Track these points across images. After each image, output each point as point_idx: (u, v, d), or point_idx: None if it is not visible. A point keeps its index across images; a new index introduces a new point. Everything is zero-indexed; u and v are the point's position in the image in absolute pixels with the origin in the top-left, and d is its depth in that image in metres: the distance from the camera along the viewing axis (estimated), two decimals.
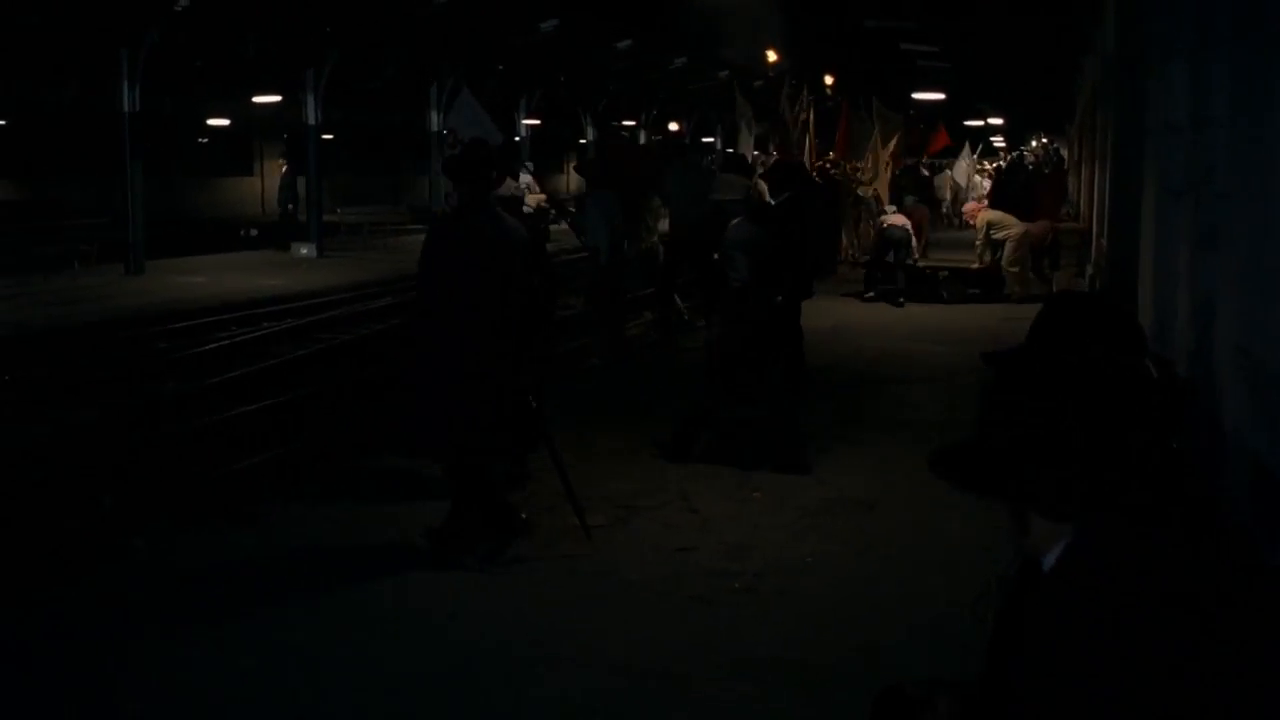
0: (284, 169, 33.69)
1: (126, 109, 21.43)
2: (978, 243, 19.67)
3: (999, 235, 18.63)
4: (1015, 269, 18.17)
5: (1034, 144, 55.19)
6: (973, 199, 26.71)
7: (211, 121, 38.47)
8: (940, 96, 35.93)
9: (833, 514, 7.45)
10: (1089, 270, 17.95)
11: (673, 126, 31.27)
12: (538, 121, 36.46)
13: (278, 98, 29.42)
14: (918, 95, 35.97)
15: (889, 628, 5.66)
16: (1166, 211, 7.11)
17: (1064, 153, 43.34)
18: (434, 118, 30.53)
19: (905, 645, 5.42)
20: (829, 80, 52.50)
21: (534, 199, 30.70)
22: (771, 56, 44.57)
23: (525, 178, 32.95)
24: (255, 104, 32.54)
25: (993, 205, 20.72)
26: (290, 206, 32.23)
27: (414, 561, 6.52)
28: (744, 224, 8.98)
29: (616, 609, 5.98)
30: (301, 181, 29.06)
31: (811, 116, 23.86)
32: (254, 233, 31.06)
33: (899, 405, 10.74)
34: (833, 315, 16.54)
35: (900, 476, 8.11)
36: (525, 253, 6.69)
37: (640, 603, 6.05)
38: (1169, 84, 7.16)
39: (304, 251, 25.71)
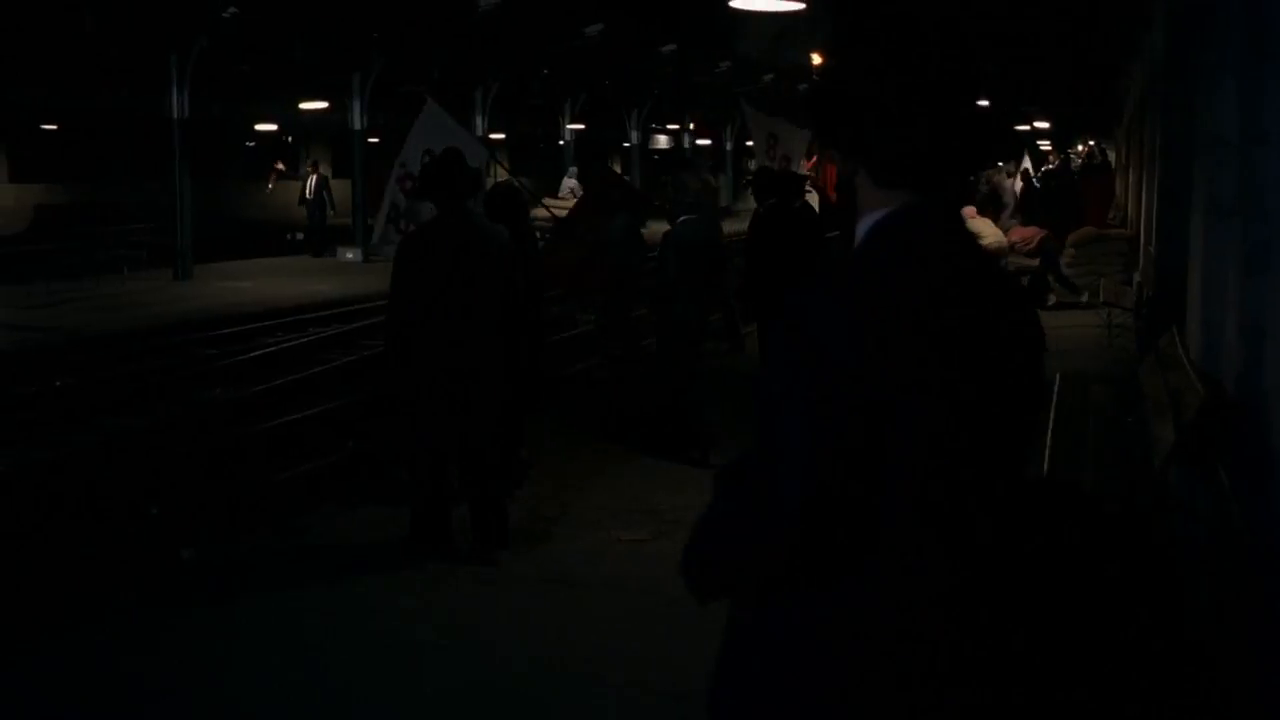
0: (313, 179, 31.01)
1: (175, 115, 21.67)
2: None
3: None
4: None
5: (1080, 147, 54.73)
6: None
7: (259, 126, 38.76)
8: (984, 104, 35.72)
9: None
10: (1136, 277, 17.78)
11: (669, 131, 30.96)
12: (582, 126, 36.50)
13: (324, 104, 29.63)
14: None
15: None
16: (1215, 227, 7.04)
17: (1110, 155, 42.99)
18: (479, 122, 30.69)
19: None
20: None
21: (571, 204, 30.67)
22: (817, 60, 44.55)
23: (570, 182, 33.10)
24: (302, 109, 32.75)
25: (1025, 217, 20.83)
26: (324, 212, 31.17)
27: (464, 576, 6.56)
28: (687, 224, 9.07)
29: (662, 628, 5.98)
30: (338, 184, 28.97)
31: None
32: (299, 236, 31.23)
33: None
34: None
35: None
36: (510, 255, 6.79)
37: (685, 623, 6.04)
38: (1218, 98, 7.09)
39: (349, 256, 25.88)
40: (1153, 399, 7.24)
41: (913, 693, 1.98)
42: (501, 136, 38.10)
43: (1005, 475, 2.06)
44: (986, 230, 18.40)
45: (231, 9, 21.55)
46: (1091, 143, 52.71)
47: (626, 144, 38.59)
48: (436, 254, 6.67)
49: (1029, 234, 19.53)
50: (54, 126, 34.37)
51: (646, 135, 39.93)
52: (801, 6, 9.21)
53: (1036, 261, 19.52)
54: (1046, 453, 6.56)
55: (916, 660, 1.98)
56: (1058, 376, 8.69)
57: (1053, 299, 18.42)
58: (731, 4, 9.66)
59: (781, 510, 1.92)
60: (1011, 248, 19.10)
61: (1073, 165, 41.23)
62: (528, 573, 6.69)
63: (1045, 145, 52.89)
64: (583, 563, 6.83)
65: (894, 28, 2.03)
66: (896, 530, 1.95)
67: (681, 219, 9.11)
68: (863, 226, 2.05)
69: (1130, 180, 28.22)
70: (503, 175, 24.26)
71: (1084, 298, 18.03)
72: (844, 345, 1.90)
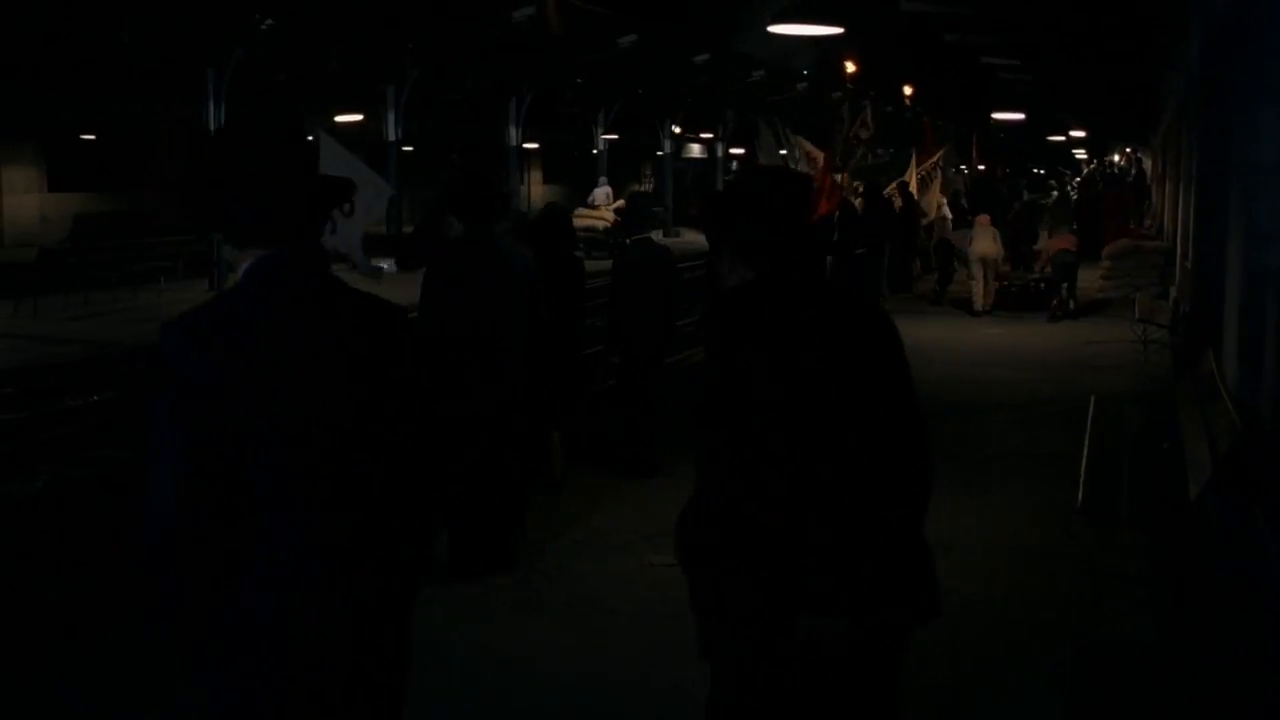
0: None
1: (212, 127, 21.81)
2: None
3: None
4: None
5: (1116, 156, 54.50)
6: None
7: None
8: (1020, 117, 35.60)
9: None
10: (1172, 292, 17.67)
11: (702, 140, 30.85)
12: (615, 136, 36.57)
13: (359, 116, 29.82)
14: (998, 115, 35.68)
15: (961, 690, 5.61)
16: (1253, 254, 7.00)
17: (1146, 164, 42.73)
18: (513, 132, 30.82)
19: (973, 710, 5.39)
20: (908, 91, 52.29)
21: (606, 215, 30.90)
22: (850, 68, 44.46)
23: (600, 191, 33.23)
24: (337, 120, 32.93)
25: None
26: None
27: (496, 599, 6.58)
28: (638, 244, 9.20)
29: (694, 660, 5.97)
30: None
31: (871, 133, 24.00)
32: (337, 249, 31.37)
33: (975, 437, 10.64)
34: (910, 337, 16.47)
35: (978, 516, 8.05)
36: (533, 280, 6.85)
37: None
38: (1256, 125, 7.05)
39: (384, 266, 25.90)
40: (1189, 425, 7.19)
41: (300, 665, 2.55)
42: (535, 146, 38.20)
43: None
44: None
45: (269, 21, 21.72)
46: (1129, 150, 52.49)
47: (660, 153, 38.62)
48: (462, 276, 6.75)
49: (1063, 243, 19.65)
50: (92, 136, 34.64)
51: (680, 144, 39.92)
52: (840, 31, 9.20)
53: (1047, 270, 19.90)
54: (1082, 479, 6.51)
55: (303, 640, 2.54)
56: (1093, 398, 8.63)
57: (1071, 305, 18.96)
58: (770, 29, 9.66)
59: (148, 543, 2.45)
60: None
61: (1098, 176, 41.11)
62: (558, 597, 6.69)
63: (1081, 154, 52.75)
64: (613, 587, 6.82)
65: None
66: (270, 527, 2.49)
67: (633, 239, 9.28)
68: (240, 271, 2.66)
69: (1167, 191, 28.06)
70: (537, 188, 24.47)
71: (1071, 305, 18.84)
72: (195, 368, 2.46)
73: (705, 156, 45.76)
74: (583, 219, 29.64)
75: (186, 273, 23.10)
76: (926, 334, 16.76)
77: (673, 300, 9.23)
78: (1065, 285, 19.02)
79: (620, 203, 29.64)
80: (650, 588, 6.81)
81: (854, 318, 3.33)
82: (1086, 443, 7.25)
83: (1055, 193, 27.92)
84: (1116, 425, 8.21)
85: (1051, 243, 20.20)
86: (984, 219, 19.89)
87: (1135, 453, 7.67)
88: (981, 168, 37.17)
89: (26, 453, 10.66)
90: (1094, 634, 6.09)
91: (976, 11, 21.39)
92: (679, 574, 6.88)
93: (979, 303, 18.97)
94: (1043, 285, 19.79)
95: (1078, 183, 39.10)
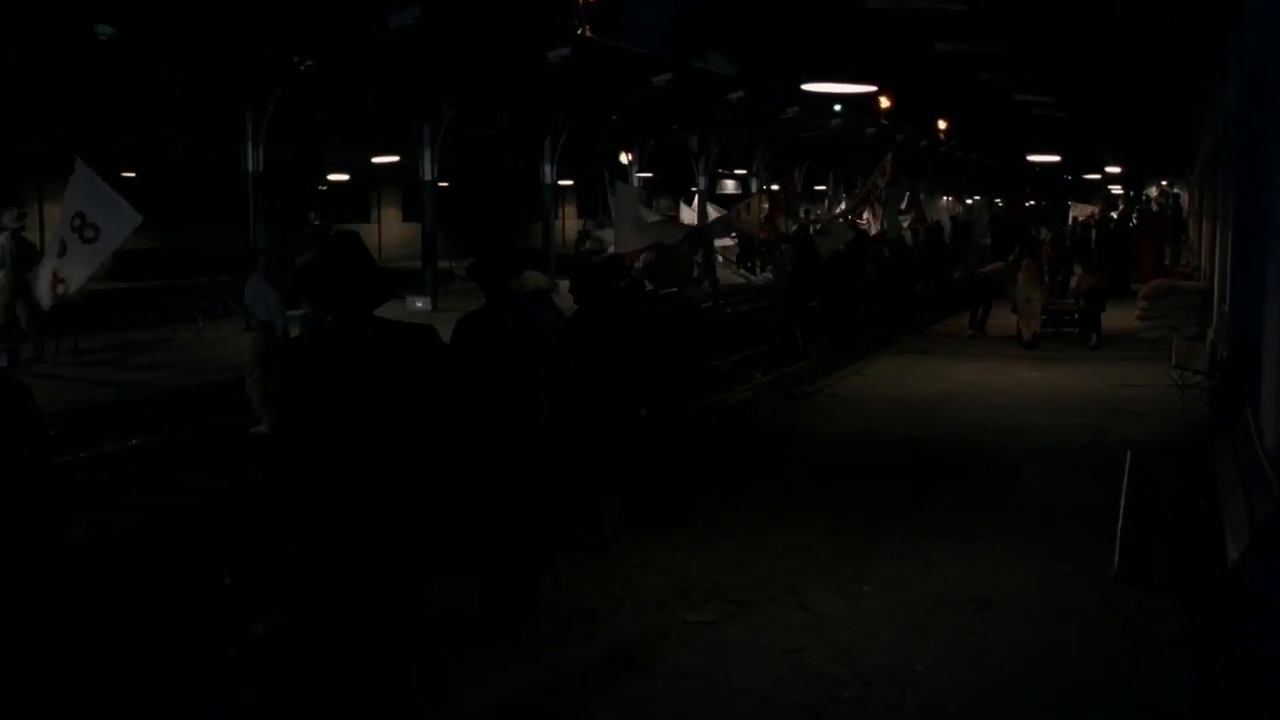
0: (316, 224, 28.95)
1: (250, 169, 22.07)
2: None
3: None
4: None
5: (1153, 190, 54.22)
6: None
7: (331, 177, 39.34)
8: (1056, 159, 35.55)
9: (945, 613, 7.37)
10: (1209, 334, 17.55)
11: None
12: (650, 174, 36.70)
13: (395, 158, 30.08)
14: (1034, 158, 35.61)
15: None
16: None
17: (1183, 199, 42.52)
18: (547, 170, 31.01)
19: None
20: (942, 125, 52.34)
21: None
22: (885, 103, 44.54)
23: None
24: (373, 157, 33.26)
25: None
26: None
27: (530, 657, 6.60)
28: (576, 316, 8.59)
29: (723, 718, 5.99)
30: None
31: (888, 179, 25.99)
32: None
33: (1010, 487, 10.58)
34: (947, 379, 16.44)
35: (1011, 573, 8.02)
36: (551, 342, 7.11)
37: (746, 713, 6.05)
38: None
39: (419, 305, 26.09)
40: (1226, 484, 7.15)
41: None
42: (570, 182, 38.37)
43: None
44: None
45: (307, 61, 21.97)
46: (1164, 183, 52.23)
47: (695, 189, 38.73)
48: (482, 339, 6.89)
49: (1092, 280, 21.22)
50: (132, 174, 35.07)
51: (714, 180, 40.03)
52: (873, 89, 9.24)
53: (1079, 304, 21.10)
54: (1118, 545, 6.48)
55: None
56: (1128, 455, 8.58)
57: (1094, 339, 20.09)
58: (804, 87, 9.71)
59: None
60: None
61: (1132, 212, 41.09)
62: (596, 655, 6.71)
63: (1116, 189, 52.51)
64: (647, 645, 6.83)
65: None
66: None
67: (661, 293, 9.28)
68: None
69: (1204, 229, 27.90)
70: (571, 223, 24.85)
71: (1092, 341, 20.08)
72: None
73: (740, 192, 45.85)
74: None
75: (225, 310, 23.29)
76: (960, 376, 16.72)
77: (698, 355, 9.27)
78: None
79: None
80: (684, 645, 6.83)
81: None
82: (1122, 504, 7.21)
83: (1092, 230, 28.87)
84: (1153, 483, 8.16)
85: (1084, 278, 21.63)
86: (1028, 263, 20.91)
87: (1172, 514, 7.62)
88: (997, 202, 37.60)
89: (67, 498, 10.75)
90: (1130, 699, 6.06)
91: (1011, 51, 21.44)
92: (714, 631, 6.95)
93: (1026, 335, 20.08)
94: (1075, 316, 21.04)
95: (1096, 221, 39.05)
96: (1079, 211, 35.50)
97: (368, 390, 5.00)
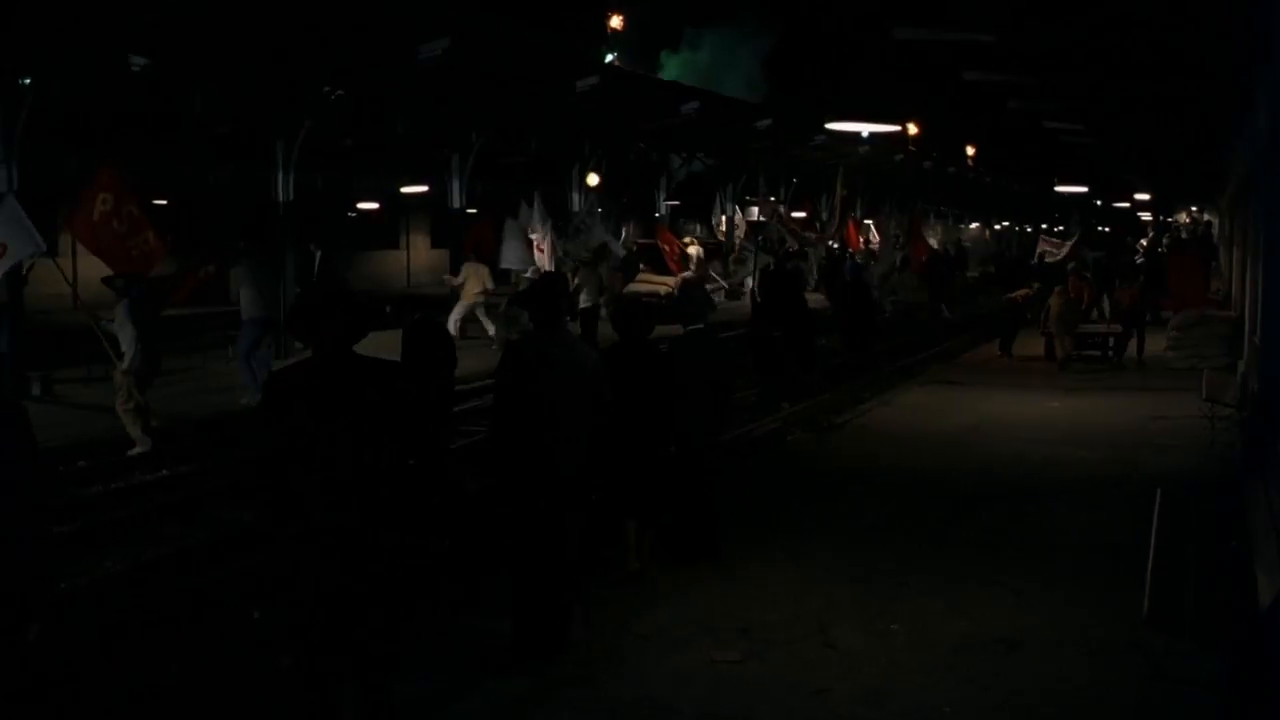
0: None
1: (281, 199, 22.21)
2: None
3: None
4: None
5: (1184, 217, 53.95)
6: None
7: (361, 205, 39.58)
8: (1084, 190, 35.49)
9: (973, 653, 7.33)
10: (1240, 366, 17.44)
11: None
12: (677, 202, 36.81)
13: (424, 188, 30.29)
14: (1061, 189, 35.52)
15: None
16: None
17: (1214, 225, 42.34)
18: (575, 198, 31.12)
19: None
20: (970, 151, 52.33)
21: (667, 281, 31.28)
22: (913, 129, 44.56)
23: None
24: (402, 185, 33.45)
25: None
26: None
27: (559, 696, 6.59)
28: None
29: None
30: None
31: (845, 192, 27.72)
32: (388, 309, 31.64)
33: (1039, 523, 10.52)
34: (975, 410, 16.38)
35: (1040, 612, 7.98)
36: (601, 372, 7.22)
37: None
38: None
39: (452, 331, 26.13)
40: (1257, 523, 7.10)
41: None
42: (599, 210, 38.52)
43: None
44: None
45: (338, 92, 22.14)
46: (1194, 209, 51.93)
47: (723, 215, 38.83)
48: (535, 368, 7.03)
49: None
50: (164, 201, 35.39)
51: (742, 207, 40.12)
52: (896, 128, 9.26)
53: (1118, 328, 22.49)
54: (1148, 589, 6.44)
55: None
56: (1159, 494, 8.52)
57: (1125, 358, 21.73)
58: (829, 125, 9.74)
59: None
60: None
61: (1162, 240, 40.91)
62: (621, 694, 6.70)
63: (1146, 216, 52.28)
64: (673, 685, 6.81)
65: None
66: None
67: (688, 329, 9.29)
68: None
69: (1235, 257, 27.75)
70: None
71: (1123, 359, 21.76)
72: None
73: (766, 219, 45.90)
74: (646, 284, 29.90)
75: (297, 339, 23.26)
76: (989, 408, 16.66)
77: (727, 391, 9.28)
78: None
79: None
80: (711, 684, 6.81)
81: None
82: (1152, 546, 7.16)
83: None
84: (1183, 522, 8.10)
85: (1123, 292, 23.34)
86: (1061, 290, 22.10)
87: (1203, 555, 7.57)
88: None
89: (97, 531, 10.82)
90: None
91: (1040, 80, 21.40)
92: (741, 670, 6.93)
93: (1060, 353, 21.29)
94: (1110, 340, 22.23)
95: (1142, 245, 38.85)
96: (1049, 246, 34.99)
97: (351, 426, 5.13)
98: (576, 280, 23.11)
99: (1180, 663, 6.91)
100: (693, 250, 33.65)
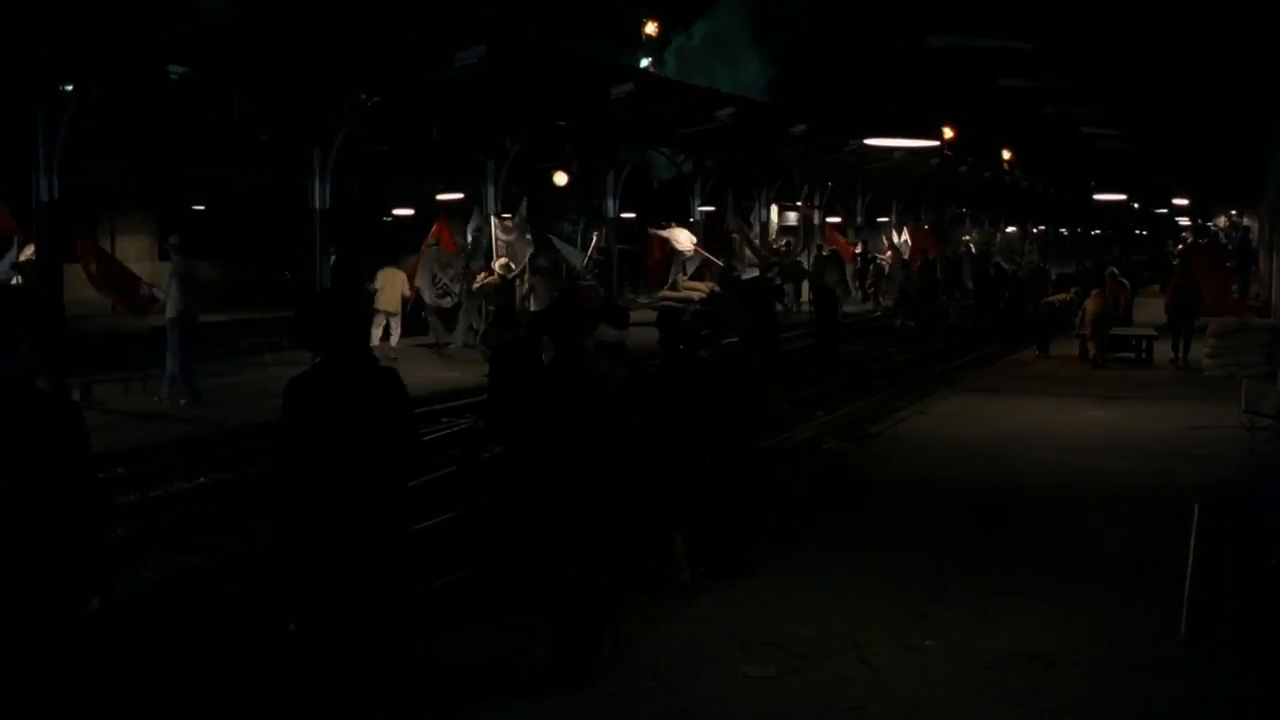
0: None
1: (318, 206, 22.31)
2: None
3: None
4: None
5: (1223, 220, 53.46)
6: None
7: (397, 211, 39.76)
8: (1122, 197, 35.27)
9: (1009, 670, 7.28)
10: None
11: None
12: (712, 208, 36.79)
13: (460, 195, 30.40)
14: (1100, 197, 35.31)
15: None
16: None
17: (1253, 230, 41.91)
18: (611, 204, 31.17)
19: None
20: (1006, 155, 52.03)
21: (700, 287, 31.37)
22: (948, 133, 44.35)
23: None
24: (437, 191, 33.55)
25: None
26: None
27: (598, 713, 6.60)
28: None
29: None
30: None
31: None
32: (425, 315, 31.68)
33: (1075, 536, 10.45)
34: (1011, 419, 16.29)
35: (1077, 628, 7.92)
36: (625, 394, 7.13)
37: None
38: None
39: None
40: None
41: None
42: (632, 215, 38.51)
43: None
44: None
45: (374, 99, 22.25)
46: (1233, 213, 51.49)
47: (760, 222, 38.78)
48: (556, 390, 7.00)
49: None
50: (202, 207, 35.70)
51: (778, 212, 40.12)
52: (935, 144, 9.22)
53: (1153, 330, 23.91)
54: (1185, 608, 6.38)
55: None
56: (1196, 508, 8.45)
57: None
58: (866, 142, 9.70)
59: None
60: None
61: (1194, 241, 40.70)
62: (654, 710, 6.70)
63: (1184, 220, 51.83)
64: (708, 700, 6.81)
65: None
66: None
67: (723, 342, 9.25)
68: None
69: (1274, 264, 27.51)
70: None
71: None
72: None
73: (799, 225, 45.81)
74: (682, 291, 30.04)
75: (291, 344, 23.43)
76: (1025, 416, 16.56)
77: (761, 406, 9.27)
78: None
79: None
80: (744, 701, 6.80)
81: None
82: (1190, 564, 7.10)
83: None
84: (1221, 537, 8.02)
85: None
86: (1097, 293, 23.06)
87: (1241, 572, 7.50)
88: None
89: (135, 539, 10.91)
90: None
91: (1075, 86, 21.33)
92: (774, 686, 6.92)
93: (1093, 352, 22.38)
94: (1143, 342, 23.49)
95: (1179, 249, 38.54)
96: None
97: (359, 434, 5.51)
98: (526, 287, 23.55)
99: (1218, 682, 6.84)
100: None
